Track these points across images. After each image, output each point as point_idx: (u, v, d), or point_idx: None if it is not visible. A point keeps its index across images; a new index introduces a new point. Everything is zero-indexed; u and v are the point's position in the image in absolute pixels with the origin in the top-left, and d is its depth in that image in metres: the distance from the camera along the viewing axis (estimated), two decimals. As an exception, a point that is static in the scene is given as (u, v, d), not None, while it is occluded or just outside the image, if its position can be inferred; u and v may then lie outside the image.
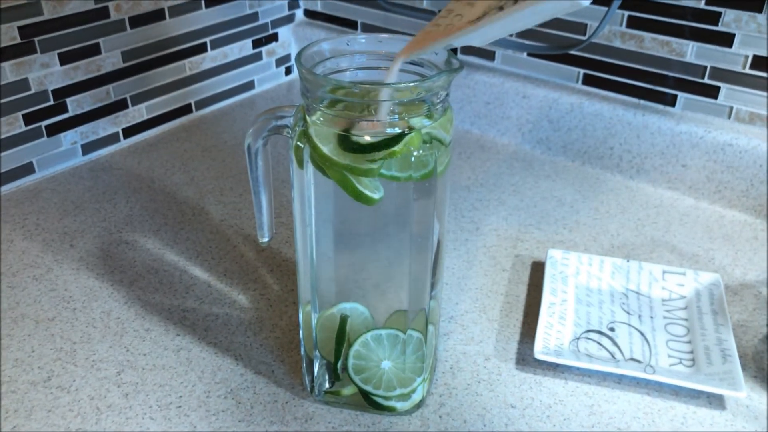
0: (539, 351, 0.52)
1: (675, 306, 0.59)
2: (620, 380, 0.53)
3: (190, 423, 0.49)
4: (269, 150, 0.47)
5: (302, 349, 0.50)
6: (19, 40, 0.71)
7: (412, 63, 0.43)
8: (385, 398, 0.48)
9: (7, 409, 0.49)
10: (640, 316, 0.58)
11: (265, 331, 0.57)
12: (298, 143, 0.41)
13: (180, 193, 0.75)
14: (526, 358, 0.54)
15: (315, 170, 0.41)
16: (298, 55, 0.41)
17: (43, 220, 0.70)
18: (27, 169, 0.77)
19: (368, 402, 0.48)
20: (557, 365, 0.54)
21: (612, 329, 0.57)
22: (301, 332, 0.49)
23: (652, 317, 0.58)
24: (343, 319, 0.46)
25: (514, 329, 0.58)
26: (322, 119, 0.41)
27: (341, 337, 0.46)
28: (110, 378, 0.52)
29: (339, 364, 0.47)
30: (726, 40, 0.71)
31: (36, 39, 0.73)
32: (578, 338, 0.56)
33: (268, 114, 0.44)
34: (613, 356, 0.54)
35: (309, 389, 0.50)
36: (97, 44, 0.78)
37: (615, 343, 0.55)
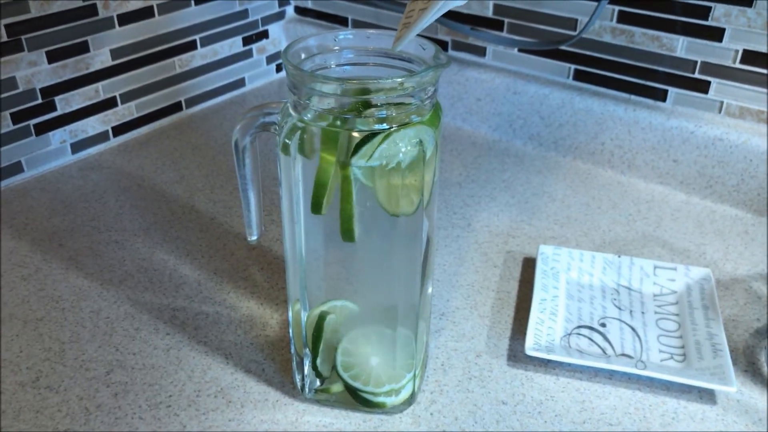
0: (530, 347, 0.52)
1: (666, 301, 0.59)
2: (611, 376, 0.52)
3: (179, 422, 0.48)
4: (257, 147, 0.46)
5: (292, 348, 0.49)
6: (5, 38, 0.71)
7: (401, 59, 0.43)
8: (374, 394, 0.47)
9: (-6, 410, 0.49)
10: (631, 312, 0.58)
11: (256, 330, 0.56)
12: (286, 140, 0.41)
13: (170, 191, 0.75)
14: (517, 355, 0.54)
15: (303, 168, 0.41)
16: (285, 50, 0.41)
17: (31, 220, 0.70)
18: (15, 169, 0.76)
19: (357, 399, 0.48)
20: (548, 361, 0.54)
21: (603, 325, 0.57)
22: (290, 330, 0.49)
23: (643, 312, 0.58)
24: (321, 317, 0.46)
25: (505, 325, 0.57)
26: (310, 116, 0.40)
27: (317, 334, 0.46)
28: (99, 378, 0.52)
29: (318, 361, 0.47)
30: (716, 34, 0.71)
31: (23, 37, 0.72)
32: (569, 334, 0.56)
33: (255, 110, 0.44)
34: (604, 352, 0.54)
35: (299, 388, 0.50)
36: (86, 42, 0.78)
37: (606, 339, 0.55)
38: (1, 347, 0.54)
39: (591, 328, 0.56)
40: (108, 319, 0.57)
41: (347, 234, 0.42)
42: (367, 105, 0.40)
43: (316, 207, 0.42)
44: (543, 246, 0.63)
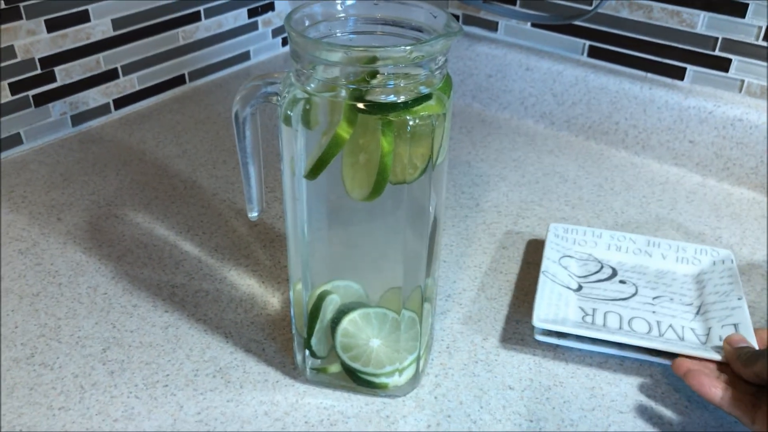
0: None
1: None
2: (623, 362, 0.51)
3: (176, 402, 0.47)
4: (258, 119, 0.45)
5: (293, 328, 0.48)
6: (3, 6, 0.69)
7: (411, 28, 0.41)
8: (375, 375, 0.46)
9: (-12, 387, 0.48)
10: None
11: (257, 309, 0.55)
12: (288, 111, 0.39)
13: (172, 166, 0.73)
14: (525, 339, 0.53)
15: (306, 140, 0.39)
16: (288, 17, 0.39)
17: (30, 193, 0.68)
18: (14, 140, 0.74)
19: (357, 381, 0.46)
20: (557, 346, 0.52)
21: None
22: (292, 310, 0.47)
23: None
24: (321, 297, 0.44)
25: (513, 308, 0.56)
26: (313, 86, 0.38)
27: (315, 313, 0.45)
28: (95, 355, 0.50)
29: (313, 341, 0.46)
30: (739, 10, 0.68)
31: (21, 4, 0.70)
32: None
33: (257, 80, 0.42)
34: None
35: (301, 369, 0.49)
36: (86, 11, 0.76)
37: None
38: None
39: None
40: (105, 296, 0.56)
41: (375, 196, 0.40)
42: (374, 75, 0.38)
43: (312, 175, 0.40)
44: (554, 224, 0.61)
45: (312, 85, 0.38)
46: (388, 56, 0.37)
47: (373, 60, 0.38)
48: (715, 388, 0.45)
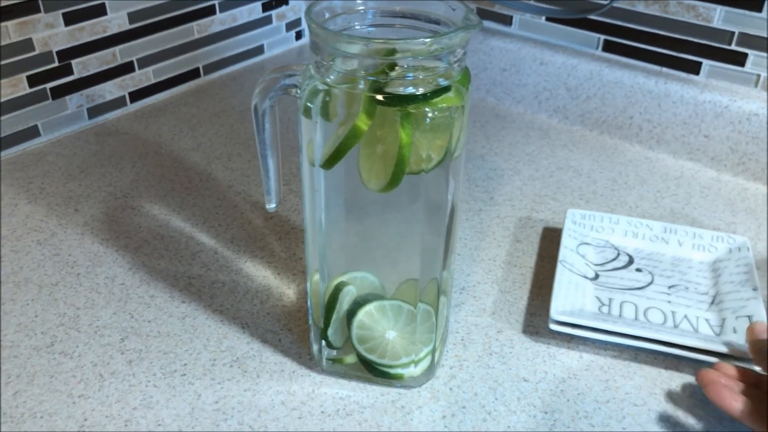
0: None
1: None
2: (637, 354, 0.51)
3: (194, 391, 0.47)
4: (277, 111, 0.45)
5: (310, 319, 0.48)
6: (22, -1, 0.69)
7: (428, 20, 0.41)
8: (391, 366, 0.46)
9: (9, 374, 0.48)
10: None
11: (273, 300, 0.55)
12: (307, 103, 0.39)
13: (187, 158, 0.74)
14: (540, 331, 0.53)
15: (324, 132, 0.40)
16: (308, 9, 0.39)
17: (47, 184, 0.69)
18: (32, 133, 0.75)
19: (373, 372, 0.47)
20: (572, 338, 0.52)
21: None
22: (308, 301, 0.48)
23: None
24: (338, 288, 0.45)
25: (527, 301, 0.56)
26: (333, 78, 0.39)
27: (332, 304, 0.45)
28: (114, 345, 0.51)
29: (330, 332, 0.46)
30: (755, 4, 0.68)
31: (39, -2, 0.71)
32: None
33: (276, 72, 0.42)
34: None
35: (317, 359, 0.49)
36: (103, 5, 0.76)
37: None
38: (3, 311, 0.54)
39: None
40: (123, 286, 0.56)
41: (392, 187, 0.40)
42: (393, 67, 0.38)
43: (328, 164, 0.40)
44: (571, 210, 0.61)
45: (331, 77, 0.39)
46: (408, 48, 0.37)
47: (393, 52, 0.38)
48: (735, 402, 0.44)
